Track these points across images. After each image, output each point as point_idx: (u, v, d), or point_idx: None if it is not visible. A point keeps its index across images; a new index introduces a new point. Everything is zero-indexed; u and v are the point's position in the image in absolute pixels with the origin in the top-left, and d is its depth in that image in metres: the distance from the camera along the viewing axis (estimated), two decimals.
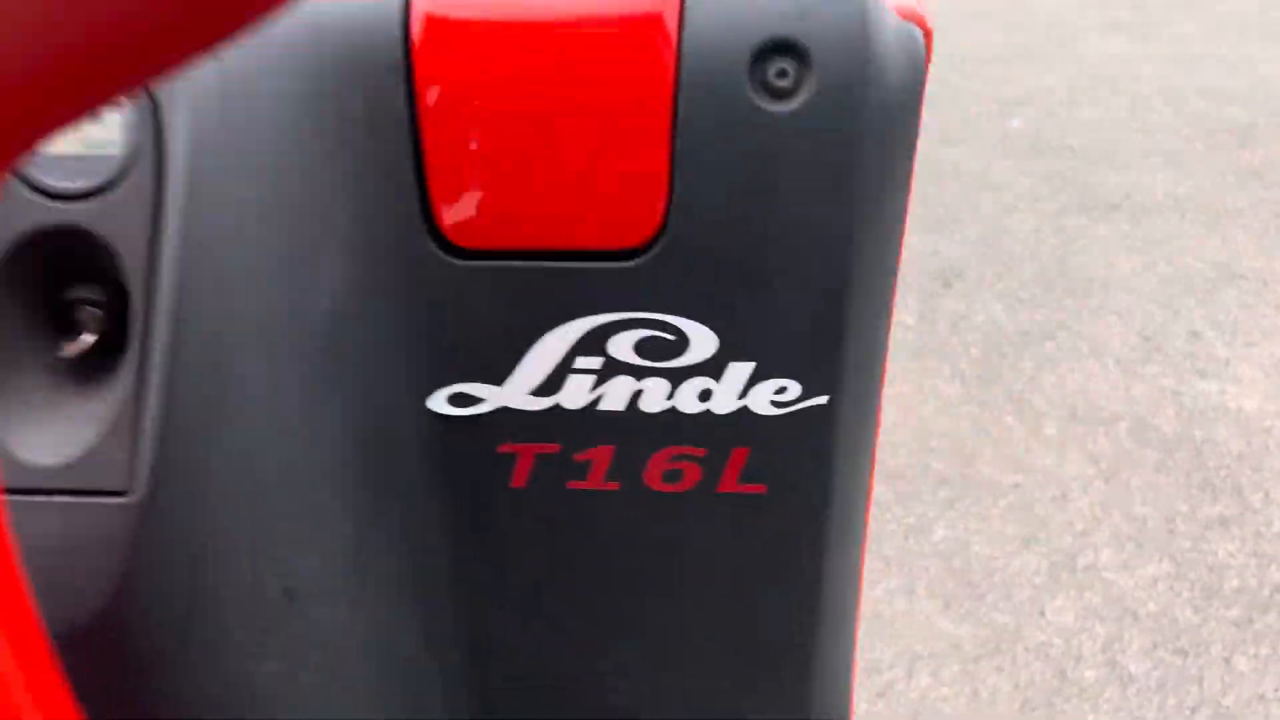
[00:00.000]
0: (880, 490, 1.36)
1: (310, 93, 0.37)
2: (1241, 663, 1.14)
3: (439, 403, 0.42)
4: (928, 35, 0.38)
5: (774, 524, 0.46)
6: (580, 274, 0.39)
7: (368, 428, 0.42)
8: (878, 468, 0.49)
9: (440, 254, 0.39)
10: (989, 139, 2.43)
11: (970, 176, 2.24)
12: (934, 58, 0.38)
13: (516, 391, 0.42)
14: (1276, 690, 1.11)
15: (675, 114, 0.37)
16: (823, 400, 0.42)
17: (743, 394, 0.41)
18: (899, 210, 0.41)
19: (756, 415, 0.42)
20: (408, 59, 0.37)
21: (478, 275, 0.39)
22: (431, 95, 0.37)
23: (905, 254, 0.43)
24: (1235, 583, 1.24)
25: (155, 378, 0.36)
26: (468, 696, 0.51)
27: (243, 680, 0.42)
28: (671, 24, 0.36)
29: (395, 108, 0.37)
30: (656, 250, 0.39)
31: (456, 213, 0.39)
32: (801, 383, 0.41)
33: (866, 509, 0.50)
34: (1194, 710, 1.09)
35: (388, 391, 0.42)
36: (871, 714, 1.09)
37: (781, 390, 0.42)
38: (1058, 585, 1.23)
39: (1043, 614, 1.20)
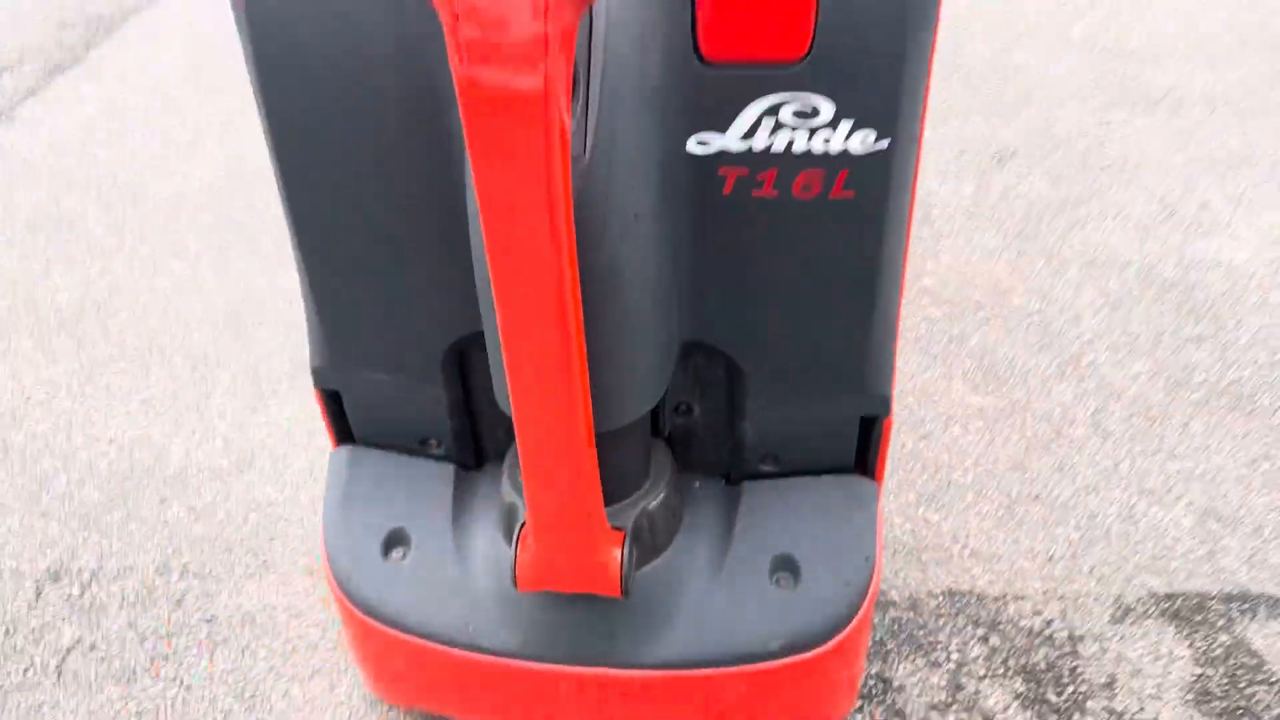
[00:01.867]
0: (931, 310, 1.77)
1: None
2: (1196, 426, 1.54)
3: (692, 145, 0.85)
4: None
5: (858, 221, 0.88)
6: (767, 75, 0.81)
7: (666, 155, 0.84)
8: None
9: (699, 63, 0.81)
10: (1050, 42, 2.73)
11: (1030, 71, 2.57)
12: None
13: (730, 138, 0.84)
14: (1219, 444, 1.50)
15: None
16: (886, 143, 0.83)
17: (846, 138, 0.83)
18: (934, 24, 0.81)
19: (852, 153, 0.84)
20: None
21: (720, 75, 0.81)
22: None
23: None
24: (1201, 378, 1.63)
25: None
26: (692, 321, 0.94)
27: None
28: None
29: None
30: (805, 63, 0.80)
31: (708, 42, 0.81)
32: (877, 130, 0.82)
33: (907, 233, 0.92)
34: (1154, 454, 1.49)
35: (671, 135, 0.84)
36: (916, 450, 1.52)
37: (865, 138, 0.83)
38: (1062, 376, 1.64)
39: (1049, 394, 1.61)
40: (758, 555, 1.04)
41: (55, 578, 1.36)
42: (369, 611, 1.06)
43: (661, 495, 1.02)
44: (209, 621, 1.30)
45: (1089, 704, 1.19)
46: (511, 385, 0.81)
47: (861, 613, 1.03)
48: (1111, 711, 1.17)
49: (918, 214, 1.94)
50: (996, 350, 1.69)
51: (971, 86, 2.49)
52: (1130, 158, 2.20)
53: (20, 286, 1.91)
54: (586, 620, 1.02)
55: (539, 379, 0.80)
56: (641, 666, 1.02)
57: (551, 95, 0.64)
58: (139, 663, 1.25)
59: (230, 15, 0.84)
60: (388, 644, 1.08)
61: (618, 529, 0.95)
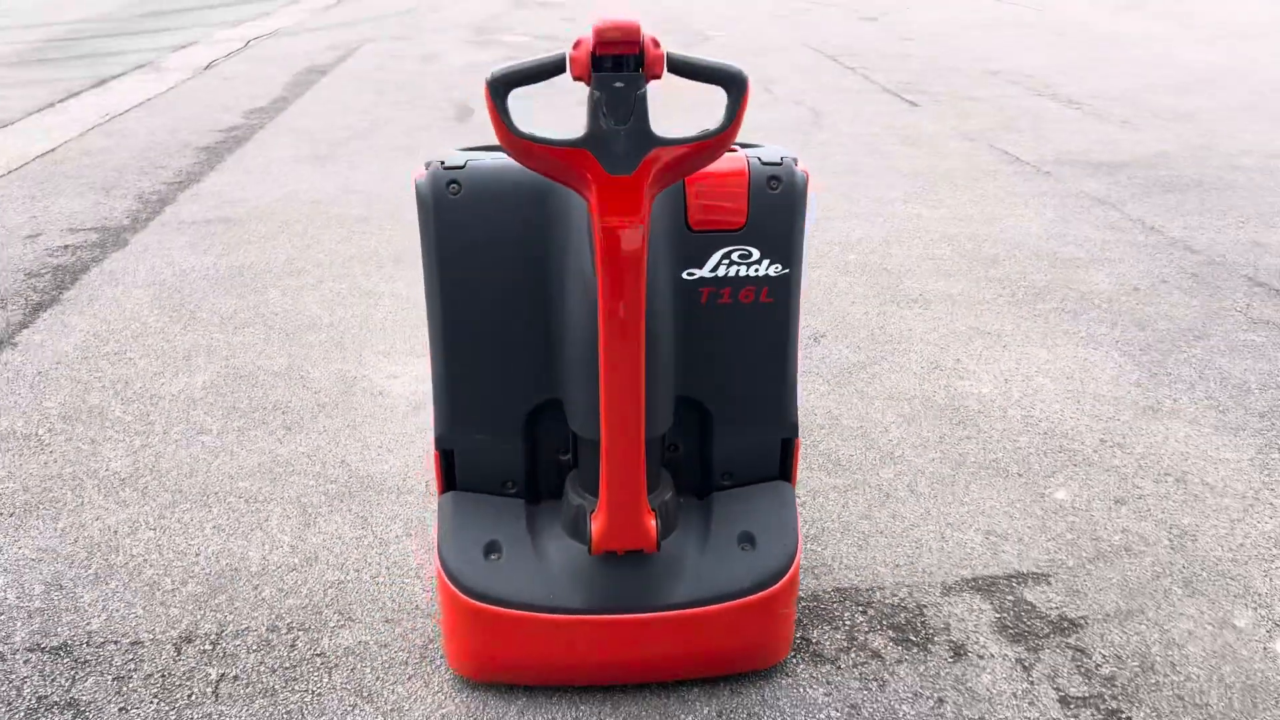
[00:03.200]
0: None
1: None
2: (973, 487, 2.29)
3: (684, 275, 1.56)
4: (806, 174, 1.57)
5: (775, 315, 1.61)
6: (725, 236, 1.55)
7: (673, 280, 1.55)
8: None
9: (689, 231, 1.54)
10: (835, 266, 3.70)
11: (824, 283, 3.49)
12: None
13: (705, 270, 1.56)
14: (989, 495, 2.26)
15: (750, 193, 1.54)
16: (787, 271, 1.58)
17: (768, 268, 1.57)
18: (805, 209, 1.58)
19: (771, 276, 1.58)
20: None
21: (699, 237, 1.54)
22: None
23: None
24: (972, 459, 2.41)
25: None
26: (681, 380, 1.62)
27: None
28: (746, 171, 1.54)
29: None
30: (744, 230, 1.55)
31: (693, 220, 1.54)
32: (782, 263, 1.57)
33: (798, 325, 1.66)
34: (950, 504, 2.22)
35: (675, 269, 1.55)
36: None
37: (777, 268, 1.57)
38: (882, 464, 2.38)
39: (878, 474, 2.33)
40: (728, 533, 1.67)
41: (188, 640, 1.78)
42: (478, 596, 1.60)
43: (670, 494, 1.64)
44: (320, 655, 1.76)
45: (935, 638, 1.83)
46: (605, 406, 1.44)
47: (794, 565, 1.66)
48: (950, 642, 1.82)
49: None
50: (839, 451, 2.43)
51: None
52: (903, 335, 3.10)
53: (75, 460, 2.33)
54: (628, 579, 1.60)
55: (622, 400, 1.44)
56: (664, 608, 1.60)
57: (643, 251, 1.34)
58: (277, 684, 1.69)
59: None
60: (490, 619, 1.60)
61: (651, 508, 1.56)
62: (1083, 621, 1.88)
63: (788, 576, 1.65)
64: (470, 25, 9.61)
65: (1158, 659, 1.79)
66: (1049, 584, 1.98)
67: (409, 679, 1.72)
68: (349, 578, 1.96)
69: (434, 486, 1.83)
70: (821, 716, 1.65)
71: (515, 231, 1.55)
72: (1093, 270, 3.68)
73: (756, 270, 1.57)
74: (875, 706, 1.68)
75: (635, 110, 1.29)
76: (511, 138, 1.31)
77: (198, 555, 2.01)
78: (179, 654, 1.75)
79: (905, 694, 1.71)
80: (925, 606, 1.92)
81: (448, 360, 1.62)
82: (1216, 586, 1.98)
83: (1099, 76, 7.43)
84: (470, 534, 1.66)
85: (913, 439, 2.50)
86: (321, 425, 2.50)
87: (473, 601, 1.60)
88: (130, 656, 1.75)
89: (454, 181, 1.54)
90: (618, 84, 1.28)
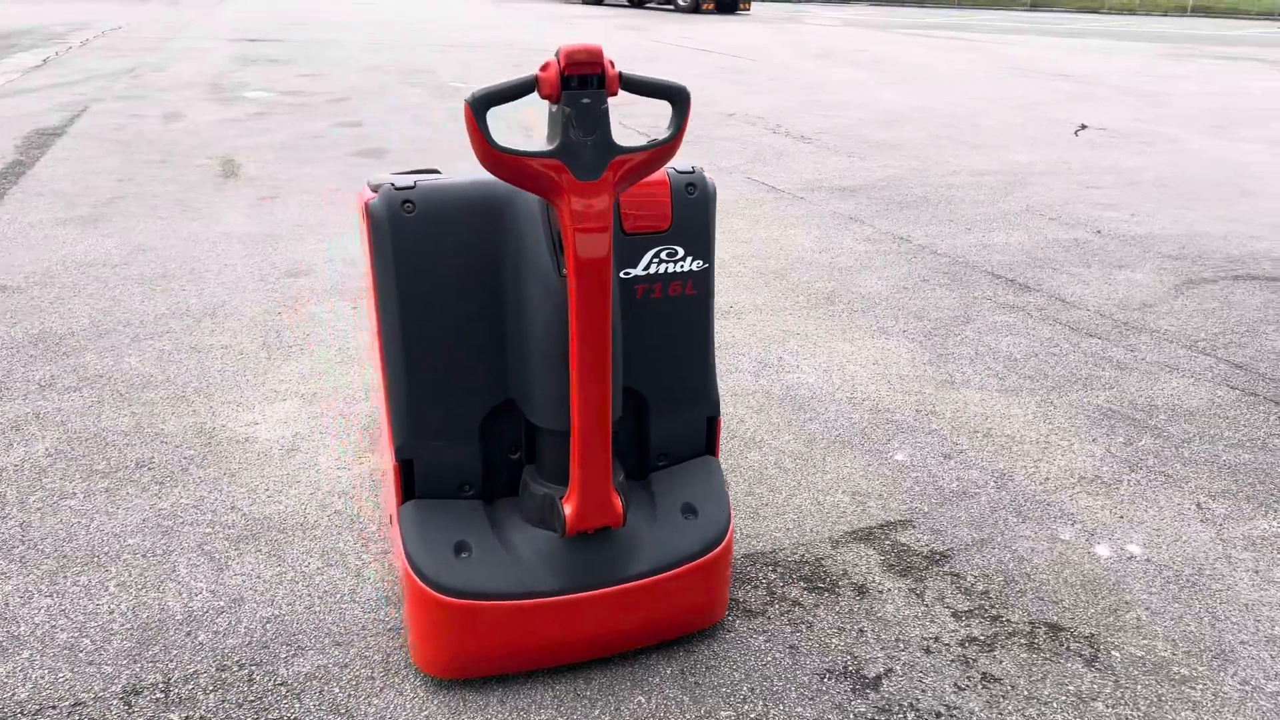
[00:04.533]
0: None
1: None
2: (766, 457, 2.60)
3: (623, 274, 1.74)
4: (713, 181, 1.80)
5: (698, 304, 1.82)
6: (654, 238, 1.74)
7: (615, 279, 1.72)
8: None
9: (624, 235, 1.73)
10: None
11: None
12: None
13: (639, 269, 1.75)
14: (841, 464, 2.57)
15: (673, 199, 1.75)
16: (705, 265, 1.80)
17: (690, 264, 1.78)
18: (713, 212, 1.81)
19: (694, 271, 1.79)
20: None
21: (633, 239, 1.73)
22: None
23: None
24: (813, 435, 2.72)
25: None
26: (625, 371, 1.79)
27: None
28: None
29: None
30: (669, 232, 1.75)
31: (627, 225, 1.73)
32: (702, 259, 1.78)
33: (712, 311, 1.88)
34: (810, 474, 2.51)
35: (617, 269, 1.72)
36: None
37: (698, 263, 1.79)
38: (746, 450, 2.64)
39: (745, 458, 2.59)
40: (671, 505, 1.85)
41: (135, 692, 1.72)
42: (456, 594, 1.68)
43: (621, 475, 1.80)
44: (283, 684, 1.75)
45: (839, 583, 2.09)
46: (578, 395, 1.59)
47: (730, 531, 1.86)
48: (852, 584, 2.09)
49: None
50: None
51: None
52: (730, 342, 3.41)
53: None
54: (595, 558, 1.74)
55: (593, 389, 1.59)
56: (630, 579, 1.75)
57: (610, 249, 1.51)
58: (247, 715, 1.67)
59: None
60: (470, 614, 1.69)
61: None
62: (949, 553, 2.21)
63: (727, 538, 1.85)
64: (204, 84, 9.22)
65: (1014, 573, 2.14)
66: (914, 528, 2.31)
67: (381, 690, 1.75)
68: (283, 612, 1.95)
69: (388, 500, 1.88)
70: (769, 659, 1.86)
71: (467, 244, 1.67)
72: (865, 275, 4.18)
73: (682, 266, 1.78)
74: (810, 644, 1.90)
75: (600, 123, 1.47)
76: (493, 151, 1.45)
77: (111, 613, 1.92)
78: (130, 707, 1.69)
79: (831, 629, 1.95)
80: (822, 559, 2.17)
81: (408, 372, 1.70)
82: (1039, 512, 2.39)
83: (819, 115, 8.30)
84: (439, 537, 1.73)
85: (767, 426, 2.79)
86: (196, 477, 2.43)
87: (451, 599, 1.68)
88: (76, 718, 1.66)
89: (408, 201, 1.63)
90: (585, 100, 1.45)
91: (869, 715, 1.72)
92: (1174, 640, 1.93)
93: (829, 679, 1.81)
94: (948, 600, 2.04)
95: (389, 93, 8.95)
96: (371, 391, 2.92)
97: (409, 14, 21.04)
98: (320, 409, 2.81)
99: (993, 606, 2.03)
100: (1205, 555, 2.22)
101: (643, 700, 1.75)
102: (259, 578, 2.05)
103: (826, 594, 2.05)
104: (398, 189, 1.64)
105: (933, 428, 2.81)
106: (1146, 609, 2.02)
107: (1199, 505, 2.43)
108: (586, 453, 1.63)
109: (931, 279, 4.15)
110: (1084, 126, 8.05)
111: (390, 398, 1.73)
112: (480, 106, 1.42)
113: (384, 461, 1.93)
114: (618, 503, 1.70)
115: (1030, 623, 1.98)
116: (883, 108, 8.74)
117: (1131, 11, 35.95)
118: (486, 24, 18.59)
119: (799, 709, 1.73)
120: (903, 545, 2.24)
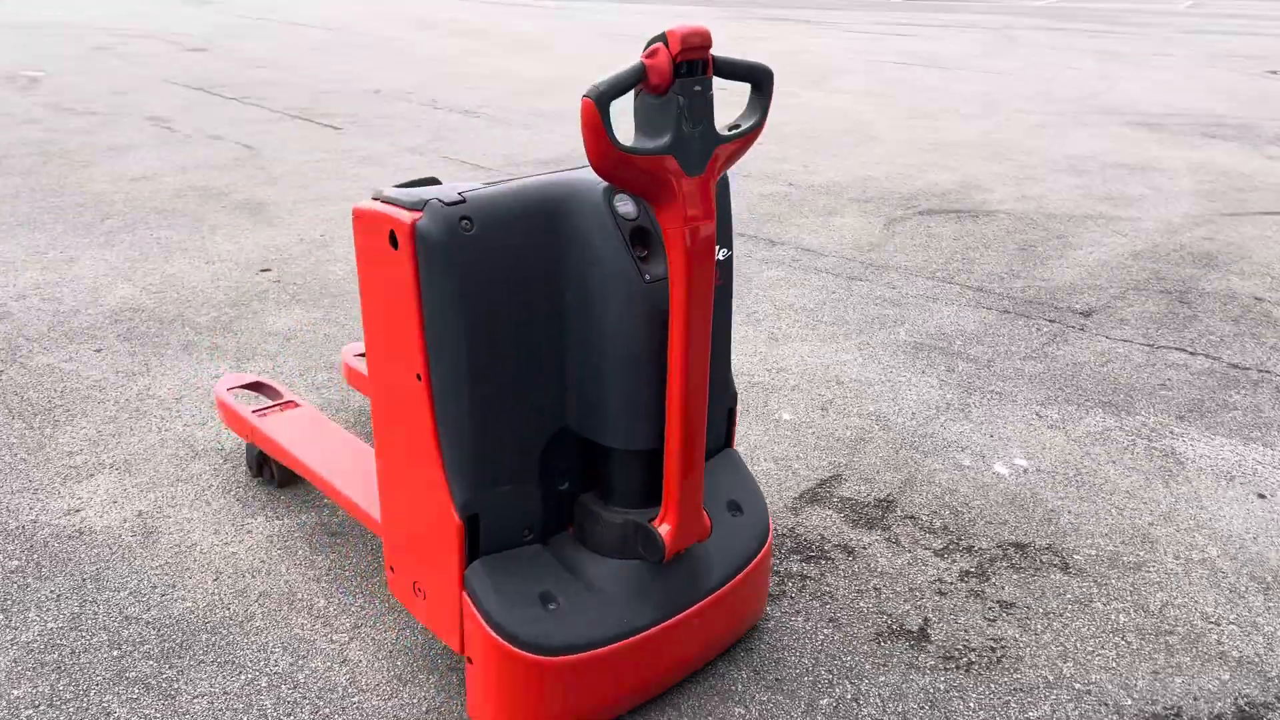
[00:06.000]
0: None
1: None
2: (788, 412, 2.62)
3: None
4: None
5: (725, 296, 1.74)
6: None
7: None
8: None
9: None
10: None
11: None
12: None
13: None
14: (810, 418, 2.61)
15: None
16: (730, 254, 1.72)
17: (717, 253, 1.69)
18: (729, 202, 1.73)
19: (721, 260, 1.70)
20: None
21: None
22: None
23: None
24: (793, 404, 2.73)
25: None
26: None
27: None
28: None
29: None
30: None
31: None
32: (725, 248, 1.70)
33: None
34: (763, 431, 2.53)
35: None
36: None
37: (723, 251, 1.71)
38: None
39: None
40: (719, 504, 1.77)
41: None
42: (556, 651, 1.49)
43: None
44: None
45: (826, 549, 2.13)
46: (681, 408, 1.46)
47: (771, 523, 1.83)
48: (836, 547, 2.14)
49: None
50: None
51: None
52: None
53: None
54: (679, 578, 1.63)
55: (694, 399, 1.47)
56: (713, 590, 1.66)
57: (712, 240, 1.40)
58: None
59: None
60: (570, 670, 1.50)
61: None
62: (891, 499, 2.34)
63: (771, 530, 1.82)
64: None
65: (954, 504, 2.32)
66: (847, 480, 2.41)
67: None
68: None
69: (411, 566, 1.60)
70: (821, 638, 1.86)
71: (528, 259, 1.46)
72: None
73: (717, 257, 1.69)
74: (845, 614, 1.93)
75: (707, 112, 1.35)
76: (611, 150, 1.28)
77: None
78: None
79: (850, 594, 1.99)
80: (794, 528, 2.20)
81: (472, 416, 1.45)
82: (929, 444, 2.59)
83: (467, 89, 8.13)
84: (521, 594, 1.52)
85: (756, 401, 2.73)
86: (47, 592, 1.90)
87: (553, 659, 1.49)
88: None
89: (465, 217, 1.39)
90: (697, 88, 1.33)
91: (939, 666, 1.79)
92: (1108, 535, 2.21)
93: (885, 641, 1.85)
94: (922, 542, 2.17)
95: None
96: (206, 453, 2.45)
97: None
98: (149, 478, 2.30)
99: (960, 540, 2.18)
100: (1070, 456, 2.55)
101: (742, 711, 1.67)
102: (227, 694, 1.66)
103: (823, 562, 2.09)
104: (448, 204, 1.38)
105: (791, 384, 2.93)
106: (1068, 513, 2.29)
107: (1038, 415, 2.78)
108: (687, 467, 1.51)
109: None
110: None
111: (445, 449, 1.47)
112: (605, 101, 1.25)
113: (386, 514, 1.65)
114: (706, 516, 1.60)
115: (998, 546, 2.16)
116: (521, 77, 8.77)
117: None
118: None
119: (882, 677, 1.76)
120: (850, 500, 2.32)
